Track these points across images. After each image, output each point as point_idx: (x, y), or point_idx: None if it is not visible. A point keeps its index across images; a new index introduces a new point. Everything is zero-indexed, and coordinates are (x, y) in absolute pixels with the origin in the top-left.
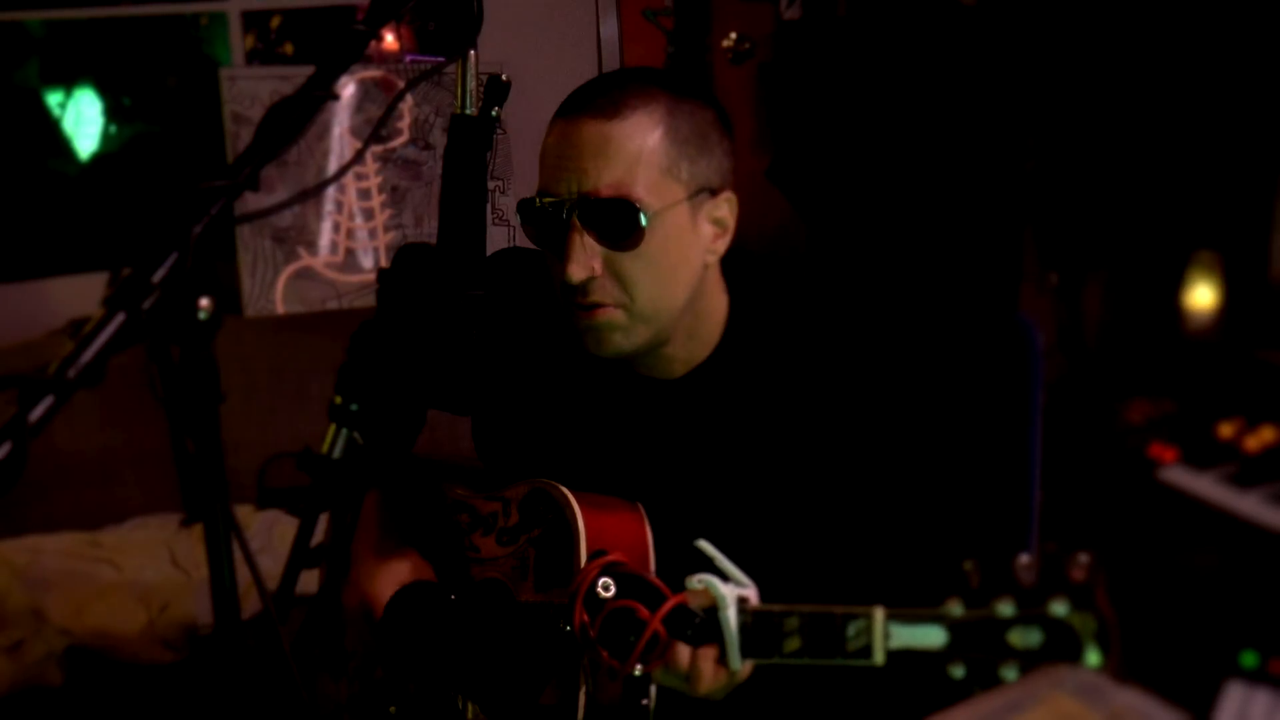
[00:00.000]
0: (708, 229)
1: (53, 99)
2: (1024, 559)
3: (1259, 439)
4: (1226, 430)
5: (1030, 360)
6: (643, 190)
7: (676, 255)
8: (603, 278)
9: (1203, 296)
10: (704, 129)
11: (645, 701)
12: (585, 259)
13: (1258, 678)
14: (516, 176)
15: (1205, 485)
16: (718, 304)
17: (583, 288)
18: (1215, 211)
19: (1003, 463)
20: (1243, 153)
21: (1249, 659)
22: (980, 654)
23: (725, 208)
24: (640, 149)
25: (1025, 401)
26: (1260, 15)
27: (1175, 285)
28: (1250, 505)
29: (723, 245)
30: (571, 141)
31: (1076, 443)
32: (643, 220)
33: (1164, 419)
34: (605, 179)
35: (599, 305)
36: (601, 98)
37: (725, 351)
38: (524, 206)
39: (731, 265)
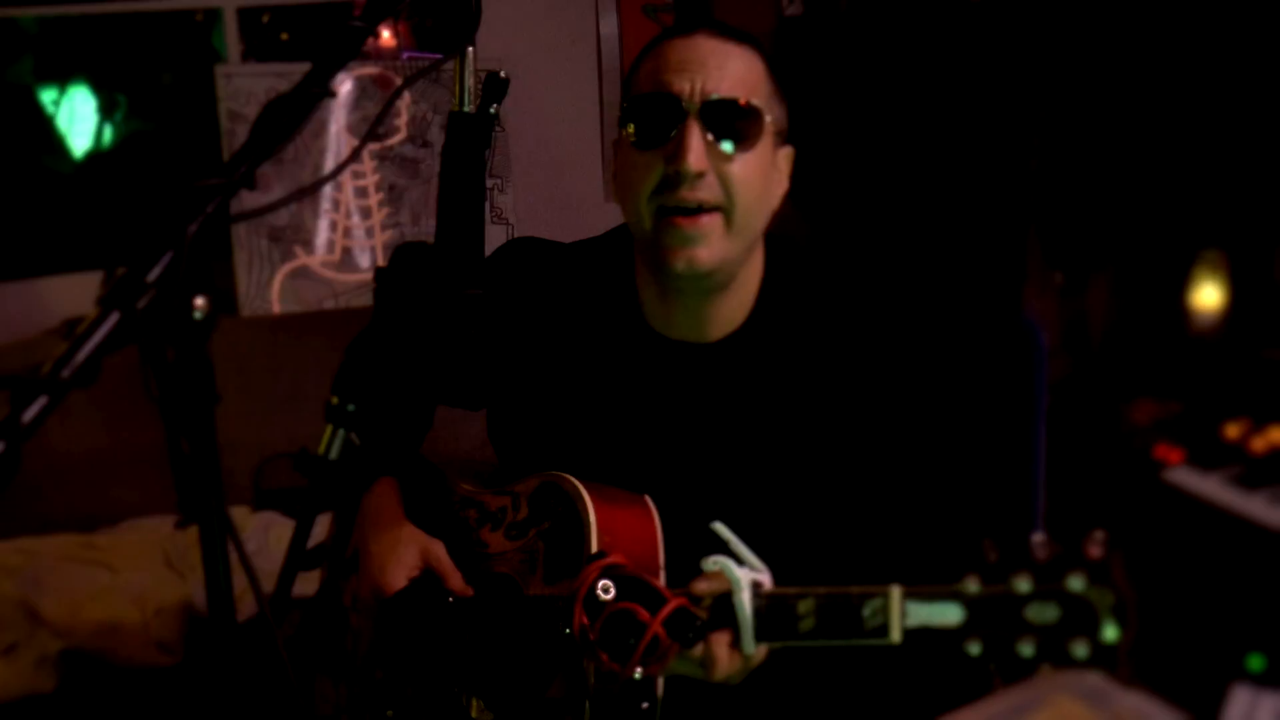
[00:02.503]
0: (776, 173)
1: (47, 96)
2: (1039, 536)
3: (1265, 440)
4: (1233, 431)
5: (1034, 360)
6: (755, 103)
7: (767, 178)
8: (710, 176)
9: (1209, 296)
10: (779, 85)
11: (646, 705)
12: (702, 153)
13: (1264, 681)
14: (515, 174)
15: (1211, 486)
16: (757, 266)
17: (692, 182)
18: (1221, 210)
19: (1006, 463)
20: (1248, 150)
21: (1255, 662)
22: (997, 630)
23: (786, 161)
24: (750, 71)
25: (1029, 402)
26: (1266, 13)
27: (1181, 284)
28: (1257, 507)
29: (782, 194)
30: (693, 49)
31: (1081, 443)
32: (759, 123)
33: (1169, 419)
34: (729, 81)
35: (701, 210)
36: (720, 25)
37: (758, 319)
38: (637, 102)
39: (767, 237)
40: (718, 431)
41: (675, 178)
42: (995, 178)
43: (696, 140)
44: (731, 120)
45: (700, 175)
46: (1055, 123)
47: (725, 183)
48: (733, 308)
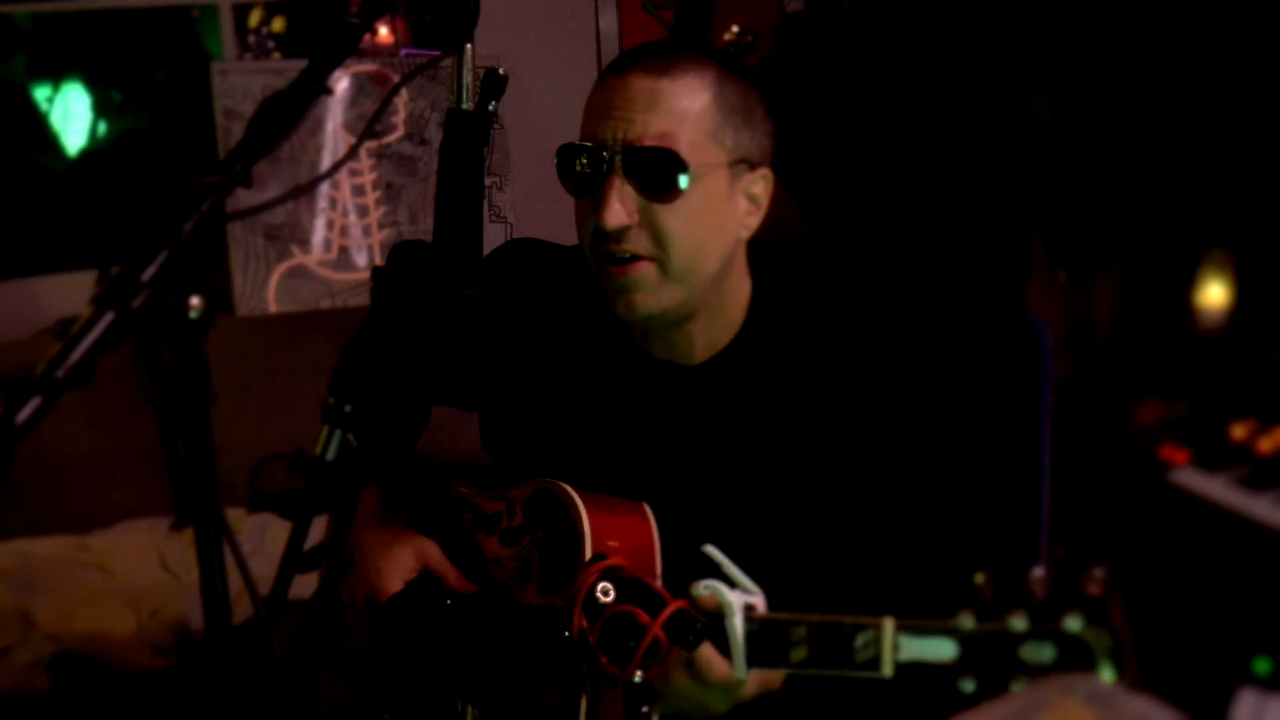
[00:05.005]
0: (743, 202)
1: (40, 93)
2: (1038, 572)
3: (1272, 440)
4: (1239, 432)
5: (1038, 360)
6: (686, 147)
7: (713, 219)
8: (637, 229)
9: (1215, 295)
10: (750, 104)
11: (646, 709)
12: (623, 206)
13: (1271, 684)
14: (514, 172)
15: (1217, 488)
16: (742, 288)
17: (616, 237)
18: (1227, 207)
19: (1011, 465)
20: (1254, 148)
21: (1262, 665)
22: (991, 669)
23: (761, 184)
24: (689, 108)
25: (1033, 402)
26: (1271, 9)
27: (1187, 283)
28: (1263, 508)
29: (755, 222)
30: (620, 92)
31: (1086, 444)
32: (684, 172)
33: (1175, 420)
34: (651, 129)
35: (633, 259)
36: (655, 57)
37: (745, 340)
38: (564, 152)
39: (756, 253)
40: (703, 453)
41: (601, 232)
42: (999, 175)
43: (616, 196)
44: (656, 170)
45: (625, 229)
46: (1059, 120)
47: (655, 233)
48: (712, 332)
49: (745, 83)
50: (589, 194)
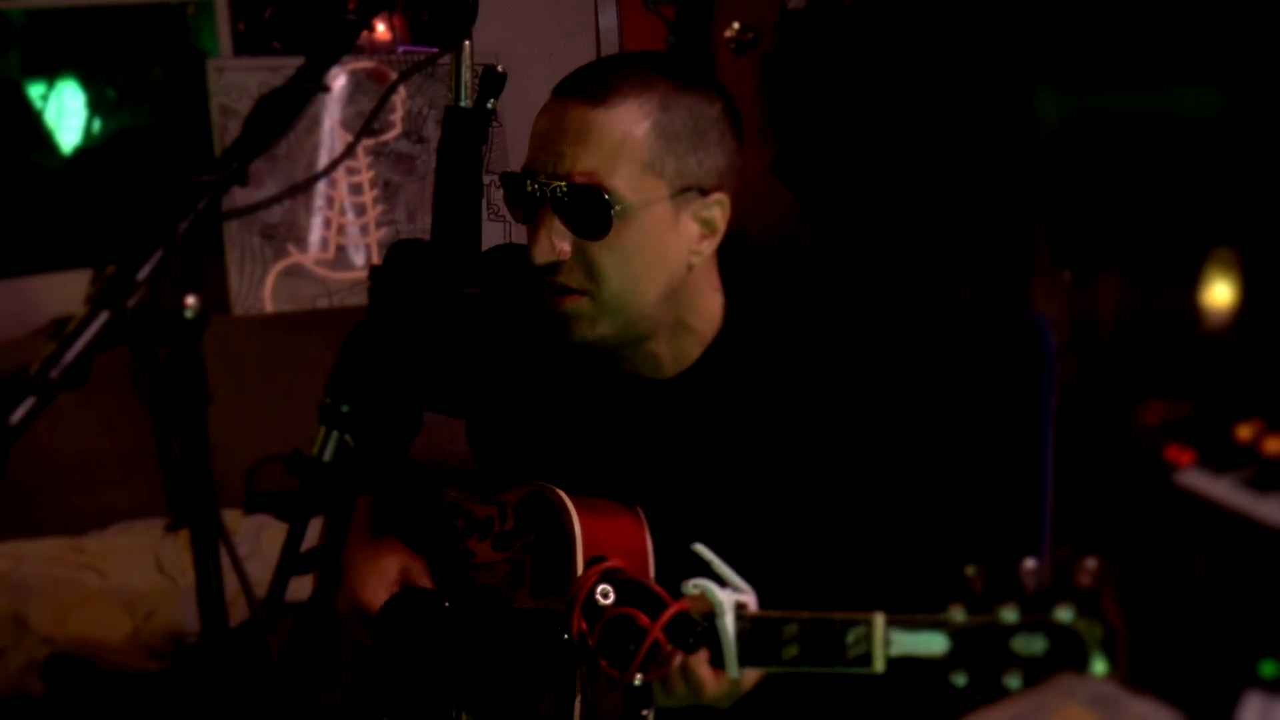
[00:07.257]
0: (693, 228)
1: (35, 91)
2: (1029, 564)
3: (1279, 441)
4: (1245, 432)
5: (1042, 360)
6: (620, 182)
7: (652, 252)
8: (571, 263)
9: (1220, 294)
10: (702, 125)
11: (645, 712)
12: (551, 242)
13: (1277, 688)
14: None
15: (1223, 489)
16: (709, 303)
17: (549, 271)
18: (1232, 206)
19: (1013, 466)
20: (1260, 146)
21: (1268, 668)
22: (983, 662)
23: (716, 210)
24: (622, 140)
25: (1037, 403)
26: (1273, 8)
27: (1192, 282)
28: (1270, 509)
29: (709, 247)
30: (555, 122)
31: (1090, 445)
32: (611, 213)
33: (1180, 420)
34: (580, 166)
35: (565, 291)
36: (594, 82)
37: (718, 351)
38: (506, 180)
39: (730, 263)
40: (683, 464)
41: (534, 265)
42: (1002, 174)
43: (545, 231)
44: (583, 210)
45: (556, 264)
46: (1063, 118)
47: (588, 269)
48: (679, 348)
49: (701, 101)
50: (530, 222)
